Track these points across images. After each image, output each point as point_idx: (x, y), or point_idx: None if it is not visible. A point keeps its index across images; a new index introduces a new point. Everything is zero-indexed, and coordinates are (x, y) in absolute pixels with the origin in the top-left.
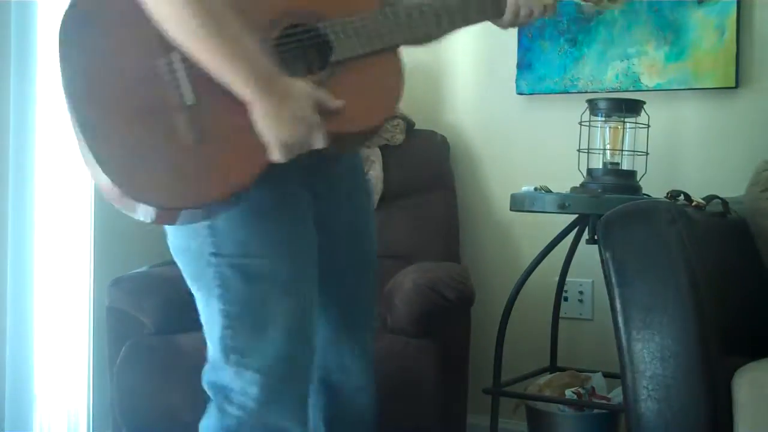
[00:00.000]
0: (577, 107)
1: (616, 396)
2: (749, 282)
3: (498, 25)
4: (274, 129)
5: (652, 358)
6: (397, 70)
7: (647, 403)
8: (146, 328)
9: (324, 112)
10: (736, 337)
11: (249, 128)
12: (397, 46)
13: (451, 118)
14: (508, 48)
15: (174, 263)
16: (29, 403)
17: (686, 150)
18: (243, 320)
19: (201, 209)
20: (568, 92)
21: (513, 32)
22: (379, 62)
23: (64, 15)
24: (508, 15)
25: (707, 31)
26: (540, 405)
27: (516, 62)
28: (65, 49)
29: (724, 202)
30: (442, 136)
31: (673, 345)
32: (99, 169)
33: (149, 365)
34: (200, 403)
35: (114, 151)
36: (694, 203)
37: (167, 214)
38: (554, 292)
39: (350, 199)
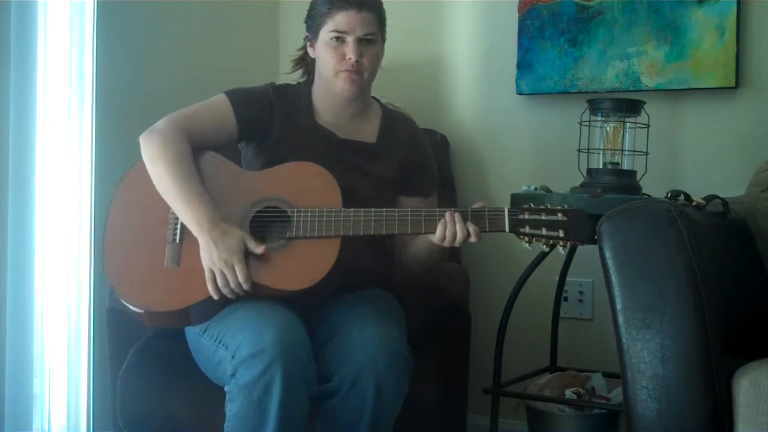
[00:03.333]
0: (577, 107)
1: (616, 396)
2: (749, 282)
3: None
4: (207, 259)
5: (652, 358)
6: (332, 255)
7: (647, 403)
8: (147, 330)
9: (250, 255)
10: (736, 337)
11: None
12: (340, 236)
13: (451, 117)
14: (508, 48)
15: None
16: (29, 403)
17: (686, 150)
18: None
19: (173, 315)
20: (568, 92)
21: (513, 32)
22: (321, 245)
23: (120, 182)
24: (437, 236)
25: (707, 31)
26: (540, 405)
27: (516, 62)
28: (116, 195)
29: (724, 202)
30: (442, 135)
31: (673, 345)
32: (106, 274)
33: (156, 371)
34: (205, 410)
35: (118, 266)
36: (694, 203)
37: (149, 317)
38: (554, 292)
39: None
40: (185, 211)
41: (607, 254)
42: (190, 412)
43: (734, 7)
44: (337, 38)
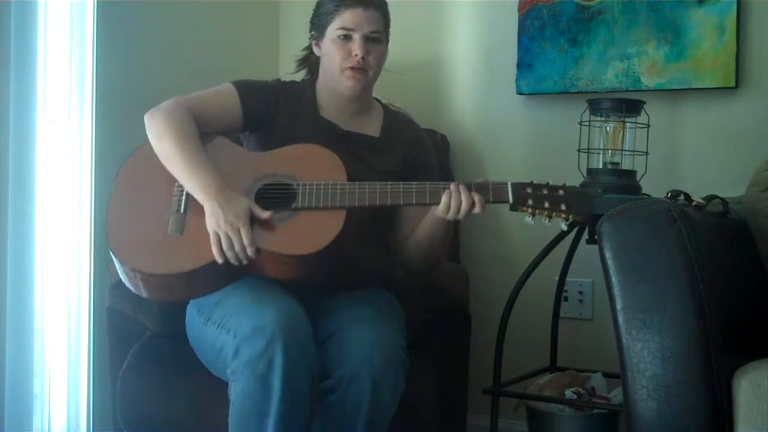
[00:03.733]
0: (577, 107)
1: (616, 396)
2: (749, 282)
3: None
4: (213, 224)
5: (652, 358)
6: (338, 224)
7: (647, 403)
8: (147, 330)
9: (256, 220)
10: (736, 337)
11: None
12: (345, 208)
13: (451, 117)
14: (508, 48)
15: None
16: (29, 403)
17: (686, 150)
18: None
19: (174, 280)
20: (568, 92)
21: (513, 32)
22: (326, 216)
23: (124, 163)
24: (442, 206)
25: (707, 31)
26: (540, 405)
27: (516, 62)
28: (120, 173)
29: (724, 202)
30: (442, 135)
31: (673, 345)
32: (107, 242)
33: (156, 371)
34: (206, 409)
35: (120, 234)
36: (694, 203)
37: (149, 283)
38: (554, 292)
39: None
40: (192, 180)
41: (607, 254)
42: (191, 411)
43: (734, 7)
44: (344, 36)
